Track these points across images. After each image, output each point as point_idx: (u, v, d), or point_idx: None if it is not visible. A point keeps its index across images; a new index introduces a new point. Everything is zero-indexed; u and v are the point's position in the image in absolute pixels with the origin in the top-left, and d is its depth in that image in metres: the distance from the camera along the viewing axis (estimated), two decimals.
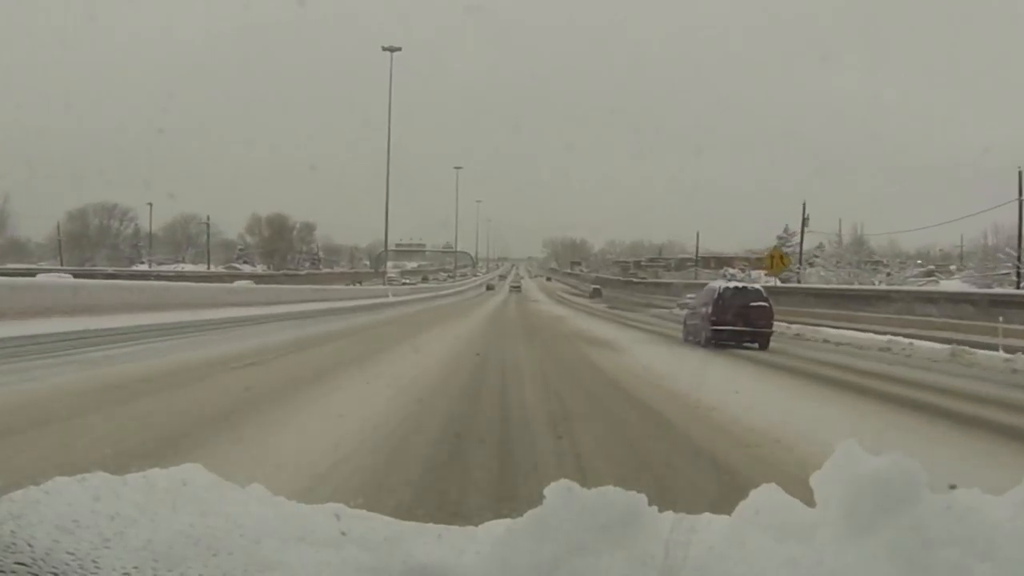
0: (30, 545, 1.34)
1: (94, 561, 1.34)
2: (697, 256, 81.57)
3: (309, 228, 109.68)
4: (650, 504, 1.44)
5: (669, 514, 1.50)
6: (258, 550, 1.39)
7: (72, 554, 1.34)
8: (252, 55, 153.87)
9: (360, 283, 69.43)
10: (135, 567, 1.34)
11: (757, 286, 20.70)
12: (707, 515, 1.53)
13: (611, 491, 1.42)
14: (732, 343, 18.42)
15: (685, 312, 22.50)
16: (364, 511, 1.62)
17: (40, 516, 1.41)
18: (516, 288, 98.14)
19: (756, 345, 18.68)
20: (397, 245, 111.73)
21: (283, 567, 1.36)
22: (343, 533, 1.46)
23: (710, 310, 18.73)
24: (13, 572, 1.30)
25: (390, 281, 79.36)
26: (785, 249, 66.52)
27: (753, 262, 73.73)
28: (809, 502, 1.48)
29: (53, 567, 1.32)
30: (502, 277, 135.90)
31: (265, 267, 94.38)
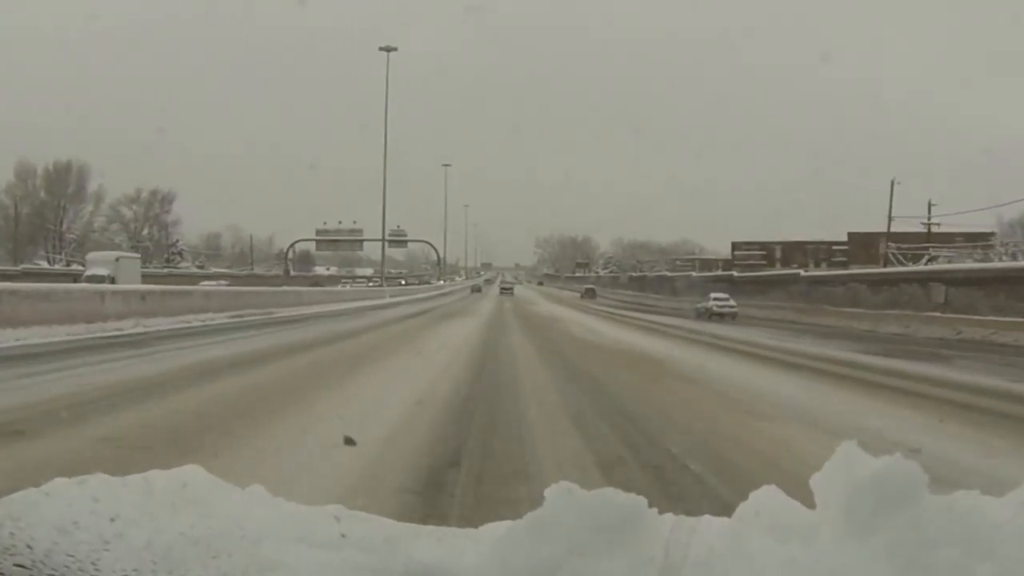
0: (29, 547, 1.34)
1: (93, 563, 1.34)
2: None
3: (164, 201, 71.99)
4: (650, 506, 1.45)
5: (669, 515, 1.50)
6: (258, 551, 1.39)
7: (71, 556, 1.34)
8: (248, 52, 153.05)
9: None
10: (135, 569, 1.34)
11: None
12: (707, 516, 1.54)
13: (611, 492, 1.42)
14: None
15: None
16: (364, 512, 1.62)
17: (39, 518, 1.41)
18: (507, 291, 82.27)
19: None
20: (319, 232, 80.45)
21: (283, 568, 1.36)
22: (343, 535, 1.46)
23: None
24: (12, 575, 1.30)
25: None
26: None
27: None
28: (809, 503, 1.48)
29: (52, 569, 1.32)
30: (488, 282, 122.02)
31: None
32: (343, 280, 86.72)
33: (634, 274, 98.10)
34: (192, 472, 1.61)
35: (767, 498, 1.52)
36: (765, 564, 1.35)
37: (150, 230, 77.53)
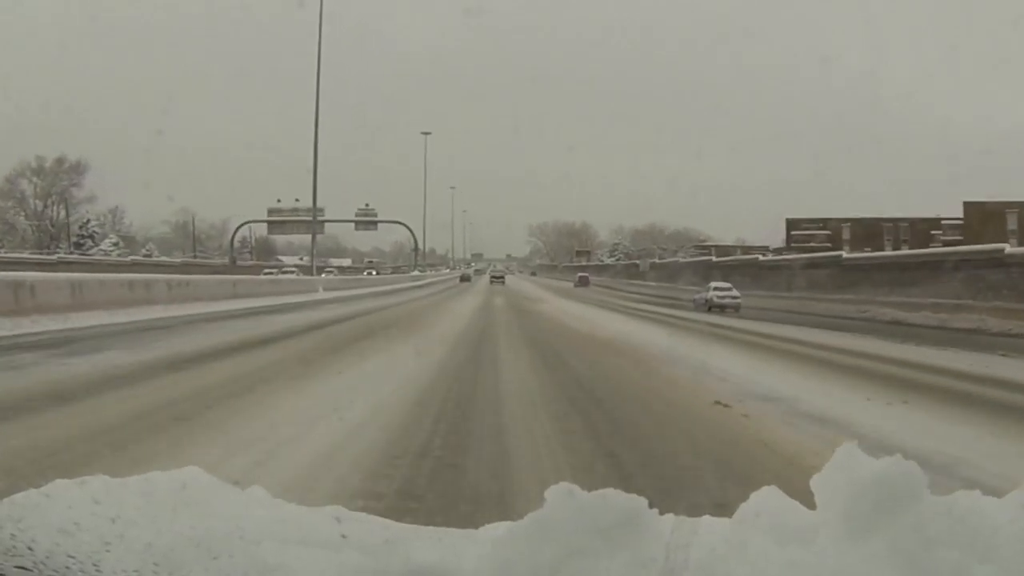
0: (30, 548, 1.35)
1: (94, 564, 1.34)
2: None
3: (73, 172, 54.66)
4: (651, 507, 1.44)
5: (670, 516, 1.49)
6: (258, 552, 1.39)
7: (72, 557, 1.35)
8: (237, 42, 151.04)
9: None
10: (135, 570, 1.34)
11: None
12: (708, 517, 1.53)
13: (611, 493, 1.41)
14: None
15: None
16: (364, 514, 1.62)
17: (41, 519, 1.41)
18: (498, 279, 76.77)
19: None
20: (271, 212, 64.72)
21: (283, 570, 1.36)
22: (343, 536, 1.46)
23: None
24: None
25: None
26: None
27: None
28: (810, 504, 1.48)
29: (54, 570, 1.32)
30: (478, 272, 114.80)
31: None
32: (266, 270, 63.65)
33: (657, 261, 75.73)
34: (192, 474, 1.61)
35: (767, 499, 1.52)
36: (766, 566, 1.35)
37: (55, 208, 59.95)
